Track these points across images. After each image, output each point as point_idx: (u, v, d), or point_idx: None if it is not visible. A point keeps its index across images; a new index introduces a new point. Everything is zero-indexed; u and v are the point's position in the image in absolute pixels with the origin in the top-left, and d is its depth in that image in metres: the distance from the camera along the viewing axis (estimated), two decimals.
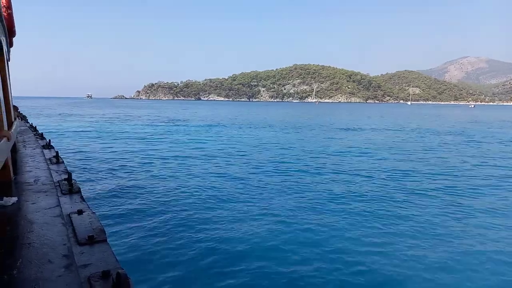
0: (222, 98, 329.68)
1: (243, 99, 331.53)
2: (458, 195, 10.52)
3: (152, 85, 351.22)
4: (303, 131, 30.88)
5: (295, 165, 14.84)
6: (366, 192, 10.82)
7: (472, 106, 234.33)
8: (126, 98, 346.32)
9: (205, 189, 11.32)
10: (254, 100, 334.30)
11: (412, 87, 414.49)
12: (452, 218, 8.38)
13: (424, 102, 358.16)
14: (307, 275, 5.88)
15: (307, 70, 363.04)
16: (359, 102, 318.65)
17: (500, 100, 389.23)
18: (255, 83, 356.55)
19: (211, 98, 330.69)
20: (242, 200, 10.27)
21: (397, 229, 7.85)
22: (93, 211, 2.39)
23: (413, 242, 7.20)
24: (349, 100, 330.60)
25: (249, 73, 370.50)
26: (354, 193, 10.52)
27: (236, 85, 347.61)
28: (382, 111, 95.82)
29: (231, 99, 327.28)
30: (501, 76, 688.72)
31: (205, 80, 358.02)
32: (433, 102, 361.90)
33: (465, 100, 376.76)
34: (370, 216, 8.91)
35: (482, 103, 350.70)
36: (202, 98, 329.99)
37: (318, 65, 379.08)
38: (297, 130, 31.64)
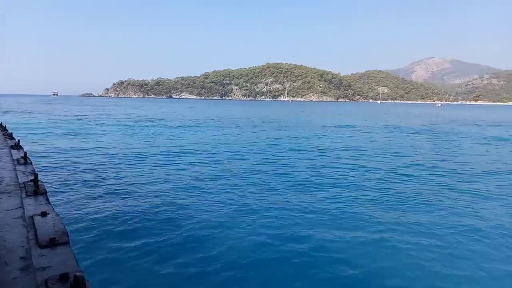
0: (194, 96, 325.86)
1: (215, 98, 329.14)
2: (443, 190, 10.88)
3: (122, 82, 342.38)
4: (291, 130, 30.77)
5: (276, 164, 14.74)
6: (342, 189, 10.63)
7: (439, 105, 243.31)
8: (94, 96, 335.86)
9: (175, 190, 11.10)
10: (226, 98, 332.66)
11: (381, 86, 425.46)
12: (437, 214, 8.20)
13: (392, 101, 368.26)
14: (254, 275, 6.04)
15: (279, 69, 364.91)
16: (330, 101, 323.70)
17: (463, 99, 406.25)
18: (228, 82, 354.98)
19: (183, 96, 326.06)
20: (216, 201, 10.08)
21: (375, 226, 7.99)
22: (57, 214, 2.32)
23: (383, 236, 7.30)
24: (321, 99, 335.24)
25: (222, 71, 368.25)
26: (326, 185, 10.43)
27: (208, 83, 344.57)
28: (361, 110, 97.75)
29: (203, 97, 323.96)
30: (464, 77, 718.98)
31: (177, 78, 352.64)
32: (401, 101, 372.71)
33: (430, 99, 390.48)
34: (345, 215, 9.04)
35: (447, 102, 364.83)
36: (173, 96, 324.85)
37: (290, 64, 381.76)
38: (284, 130, 31.54)
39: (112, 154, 17.58)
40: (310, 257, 6.74)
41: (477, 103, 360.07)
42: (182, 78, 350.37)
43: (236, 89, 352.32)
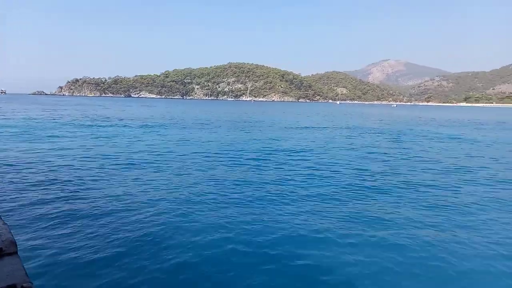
0: (154, 95, 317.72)
1: (176, 97, 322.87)
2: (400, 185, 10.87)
3: (77, 80, 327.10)
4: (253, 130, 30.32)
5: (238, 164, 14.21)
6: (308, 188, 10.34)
7: (395, 105, 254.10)
8: (46, 94, 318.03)
9: (131, 195, 10.63)
10: (188, 98, 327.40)
11: (340, 87, 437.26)
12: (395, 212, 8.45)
13: (350, 102, 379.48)
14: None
15: (241, 69, 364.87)
16: (291, 101, 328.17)
17: (416, 100, 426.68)
18: (189, 81, 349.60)
19: (142, 95, 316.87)
20: (174, 207, 9.67)
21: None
22: (5, 222, 2.23)
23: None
24: (282, 99, 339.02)
25: (183, 70, 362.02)
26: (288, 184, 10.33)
27: (169, 82, 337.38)
28: (322, 111, 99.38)
29: (163, 97, 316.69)
30: (417, 78, 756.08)
31: (136, 76, 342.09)
32: (359, 102, 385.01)
33: (386, 100, 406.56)
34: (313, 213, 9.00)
35: (401, 102, 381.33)
36: (132, 95, 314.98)
37: (252, 64, 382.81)
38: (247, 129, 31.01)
39: (66, 157, 16.57)
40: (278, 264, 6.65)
41: (428, 104, 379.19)
42: (141, 76, 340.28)
43: (198, 88, 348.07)
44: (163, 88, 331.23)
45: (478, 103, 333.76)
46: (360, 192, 11.80)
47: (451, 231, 8.39)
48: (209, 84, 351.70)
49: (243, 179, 13.14)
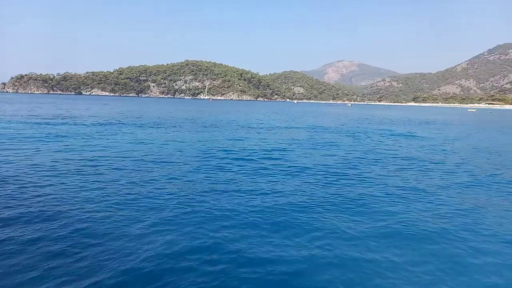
0: (107, 93, 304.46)
1: (131, 95, 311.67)
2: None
3: (22, 76, 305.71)
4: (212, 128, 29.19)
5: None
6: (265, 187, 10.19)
7: (349, 105, 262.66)
8: None
9: (87, 198, 9.88)
10: (143, 95, 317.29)
11: (297, 86, 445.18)
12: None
13: (307, 101, 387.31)
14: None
15: (199, 67, 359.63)
16: (250, 100, 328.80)
17: (369, 100, 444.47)
18: (145, 78, 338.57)
19: (94, 93, 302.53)
20: (133, 210, 9.09)
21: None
22: None
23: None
24: (241, 98, 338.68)
25: (138, 67, 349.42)
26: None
27: (123, 79, 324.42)
28: (282, 110, 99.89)
29: (117, 94, 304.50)
30: (369, 79, 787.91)
31: (87, 73, 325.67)
32: (315, 101, 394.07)
33: (341, 100, 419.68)
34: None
35: (355, 102, 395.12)
36: (83, 93, 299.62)
37: (210, 62, 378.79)
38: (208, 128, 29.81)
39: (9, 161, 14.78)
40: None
41: (380, 103, 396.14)
42: (93, 73, 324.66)
43: (154, 86, 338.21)
44: (117, 86, 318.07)
45: (425, 102, 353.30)
46: (325, 189, 11.66)
47: (416, 217, 8.14)
48: (166, 81, 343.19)
49: (205, 180, 12.48)
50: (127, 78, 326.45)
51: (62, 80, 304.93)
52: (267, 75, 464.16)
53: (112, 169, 13.84)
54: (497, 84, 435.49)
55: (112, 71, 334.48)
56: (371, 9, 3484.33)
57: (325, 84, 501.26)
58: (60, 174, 12.56)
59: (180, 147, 20.69)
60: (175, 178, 12.80)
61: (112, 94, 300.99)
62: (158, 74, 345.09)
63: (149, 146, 20.63)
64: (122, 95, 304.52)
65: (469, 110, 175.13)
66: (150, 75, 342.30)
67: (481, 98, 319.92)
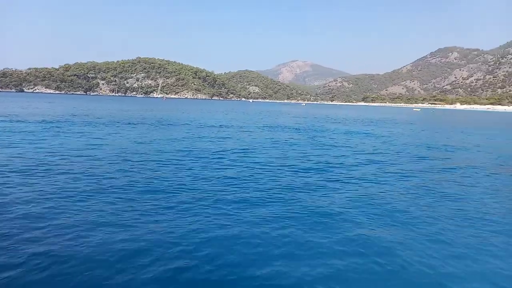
0: (52, 91, 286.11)
1: (78, 92, 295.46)
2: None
3: None
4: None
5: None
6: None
7: (304, 104, 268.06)
8: None
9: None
10: (92, 93, 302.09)
11: (252, 86, 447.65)
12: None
13: (262, 100, 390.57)
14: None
15: (152, 64, 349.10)
16: (205, 99, 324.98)
17: (322, 100, 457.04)
18: (93, 75, 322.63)
19: (37, 90, 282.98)
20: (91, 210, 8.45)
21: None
22: None
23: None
24: (195, 97, 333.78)
25: (86, 63, 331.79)
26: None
27: (69, 76, 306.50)
28: (239, 109, 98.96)
29: (63, 92, 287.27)
30: (322, 79, 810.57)
31: (30, 69, 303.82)
32: (270, 100, 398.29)
33: (295, 99, 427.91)
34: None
35: (309, 102, 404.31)
36: (26, 90, 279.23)
37: (163, 59, 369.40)
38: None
39: None
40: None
41: (333, 103, 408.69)
42: (36, 69, 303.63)
43: (103, 83, 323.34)
44: (63, 83, 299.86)
45: (374, 102, 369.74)
46: (286, 188, 11.20)
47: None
48: (116, 79, 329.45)
49: (160, 182, 11.30)
50: (74, 75, 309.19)
51: (1, 77, 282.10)
52: (222, 74, 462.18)
53: (59, 172, 12.22)
54: (438, 85, 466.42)
55: (57, 67, 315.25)
56: (323, 11, 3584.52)
57: (280, 84, 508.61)
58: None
59: (136, 147, 19.13)
60: (130, 177, 11.59)
61: (57, 92, 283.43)
62: (108, 71, 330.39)
63: (101, 146, 18.87)
64: (68, 92, 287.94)
65: (414, 109, 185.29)
66: (99, 72, 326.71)
67: (425, 98, 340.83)
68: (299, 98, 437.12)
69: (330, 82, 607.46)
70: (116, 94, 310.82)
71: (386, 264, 6.53)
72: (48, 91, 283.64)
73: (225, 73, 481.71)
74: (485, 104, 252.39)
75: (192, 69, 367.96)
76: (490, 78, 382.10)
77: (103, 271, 5.85)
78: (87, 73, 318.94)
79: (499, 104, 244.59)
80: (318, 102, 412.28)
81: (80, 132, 26.43)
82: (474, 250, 7.34)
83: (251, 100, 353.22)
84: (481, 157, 20.80)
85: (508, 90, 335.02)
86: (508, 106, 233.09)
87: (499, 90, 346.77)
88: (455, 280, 6.10)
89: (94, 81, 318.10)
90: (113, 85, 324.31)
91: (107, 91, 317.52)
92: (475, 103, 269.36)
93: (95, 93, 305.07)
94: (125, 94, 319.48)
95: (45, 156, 15.86)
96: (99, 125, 32.37)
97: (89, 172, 12.88)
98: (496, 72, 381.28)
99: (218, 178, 12.97)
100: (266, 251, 6.88)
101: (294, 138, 28.18)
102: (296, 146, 22.98)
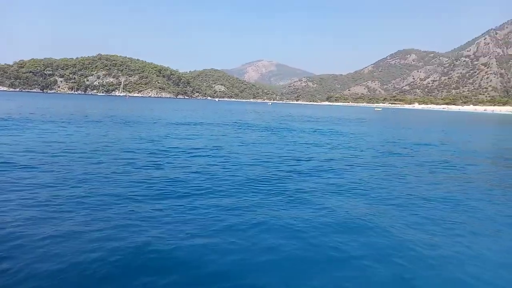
0: (5, 88, 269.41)
1: (34, 90, 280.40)
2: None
3: None
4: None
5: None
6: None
7: (270, 103, 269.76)
8: None
9: None
10: (49, 91, 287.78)
11: (218, 85, 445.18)
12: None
13: (228, 99, 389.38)
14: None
15: (113, 62, 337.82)
16: (170, 98, 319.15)
17: (287, 99, 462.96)
18: (51, 72, 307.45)
19: None
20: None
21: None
22: None
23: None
24: (160, 95, 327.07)
25: (42, 60, 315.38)
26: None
27: (24, 73, 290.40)
28: (206, 108, 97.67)
29: (18, 90, 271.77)
30: (287, 79, 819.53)
31: None
32: (236, 100, 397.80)
33: (261, 98, 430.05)
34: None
35: (275, 101, 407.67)
36: None
37: (125, 57, 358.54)
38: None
39: None
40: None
41: (298, 102, 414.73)
42: None
43: (61, 81, 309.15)
44: (17, 80, 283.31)
45: (338, 102, 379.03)
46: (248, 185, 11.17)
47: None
48: (76, 77, 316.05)
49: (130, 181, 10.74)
50: (30, 71, 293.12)
51: None
52: (187, 72, 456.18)
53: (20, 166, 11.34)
54: (398, 86, 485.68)
55: (11, 63, 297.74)
56: (288, 12, 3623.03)
57: (246, 83, 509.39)
58: None
59: (102, 146, 18.23)
60: (93, 176, 10.93)
61: (11, 90, 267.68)
62: (67, 69, 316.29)
63: (58, 144, 17.81)
64: (23, 90, 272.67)
65: (375, 109, 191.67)
66: (57, 69, 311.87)
67: (385, 98, 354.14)
68: (265, 98, 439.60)
69: (295, 82, 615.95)
70: (76, 92, 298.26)
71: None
72: (2, 88, 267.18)
73: (190, 71, 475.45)
74: (440, 104, 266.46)
75: (156, 67, 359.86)
76: (445, 79, 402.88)
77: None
78: (44, 70, 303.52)
79: (453, 104, 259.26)
80: (284, 102, 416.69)
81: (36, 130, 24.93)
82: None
83: (217, 99, 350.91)
84: (445, 151, 21.71)
85: (461, 91, 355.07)
86: (462, 106, 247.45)
87: (453, 91, 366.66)
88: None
89: (51, 79, 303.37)
90: (72, 82, 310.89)
91: (66, 89, 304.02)
92: (432, 103, 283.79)
93: (52, 91, 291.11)
94: (85, 92, 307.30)
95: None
96: (59, 123, 30.76)
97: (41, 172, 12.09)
98: (451, 73, 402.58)
99: (187, 175, 12.61)
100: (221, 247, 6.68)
101: (264, 137, 28.13)
102: (266, 145, 22.91)
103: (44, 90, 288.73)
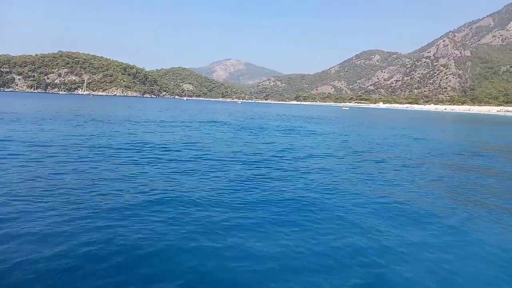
0: None
1: None
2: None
3: None
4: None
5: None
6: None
7: (239, 102, 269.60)
8: None
9: None
10: (7, 90, 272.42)
11: (186, 83, 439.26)
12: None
13: (197, 98, 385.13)
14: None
15: (75, 59, 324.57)
16: (136, 96, 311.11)
17: (256, 98, 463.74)
18: (7, 70, 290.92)
19: None
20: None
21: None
22: None
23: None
24: (125, 94, 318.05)
25: None
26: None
27: None
28: (175, 106, 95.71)
29: None
30: (255, 78, 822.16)
31: None
32: (205, 98, 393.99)
33: (230, 97, 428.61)
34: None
35: (244, 100, 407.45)
36: None
37: (89, 54, 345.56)
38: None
39: None
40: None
41: (267, 101, 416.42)
42: None
43: (20, 79, 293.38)
44: None
45: (306, 101, 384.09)
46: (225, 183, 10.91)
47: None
48: (35, 74, 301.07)
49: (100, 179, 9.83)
50: None
51: None
52: (153, 70, 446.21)
53: None
54: (363, 86, 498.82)
55: None
56: (257, 12, 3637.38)
57: (214, 82, 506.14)
58: None
59: (72, 144, 16.92)
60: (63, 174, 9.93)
61: None
62: (25, 66, 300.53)
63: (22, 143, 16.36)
64: None
65: (343, 108, 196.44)
66: (14, 66, 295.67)
67: (352, 98, 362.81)
68: (234, 97, 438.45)
69: (263, 81, 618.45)
70: (35, 91, 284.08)
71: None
72: None
73: (157, 70, 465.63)
74: (404, 103, 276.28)
75: (121, 65, 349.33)
76: (407, 79, 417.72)
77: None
78: (0, 67, 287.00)
79: (416, 103, 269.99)
80: (253, 101, 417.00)
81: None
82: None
83: (185, 98, 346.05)
84: (413, 148, 22.02)
85: (423, 91, 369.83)
86: (424, 105, 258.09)
87: (415, 90, 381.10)
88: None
89: (8, 77, 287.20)
90: (31, 80, 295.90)
91: (24, 87, 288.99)
92: (396, 102, 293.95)
93: (9, 89, 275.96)
94: (45, 90, 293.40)
95: None
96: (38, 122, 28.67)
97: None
98: (413, 74, 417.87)
99: (162, 174, 11.88)
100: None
101: (236, 135, 27.73)
102: (239, 143, 22.60)
103: (1, 88, 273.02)
